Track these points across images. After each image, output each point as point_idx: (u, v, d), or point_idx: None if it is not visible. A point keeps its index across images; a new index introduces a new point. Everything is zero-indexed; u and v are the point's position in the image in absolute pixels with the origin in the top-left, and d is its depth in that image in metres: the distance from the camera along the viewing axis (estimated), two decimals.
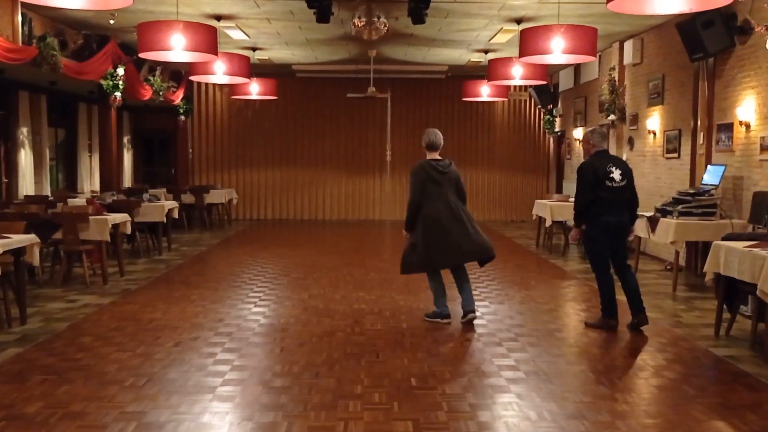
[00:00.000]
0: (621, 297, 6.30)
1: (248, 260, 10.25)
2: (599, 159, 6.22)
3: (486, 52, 13.26)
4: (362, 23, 9.48)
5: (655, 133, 10.76)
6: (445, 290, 6.51)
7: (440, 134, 6.49)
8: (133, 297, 7.57)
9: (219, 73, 10.91)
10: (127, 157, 16.82)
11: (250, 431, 3.88)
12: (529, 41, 8.55)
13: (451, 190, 6.31)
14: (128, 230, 8.99)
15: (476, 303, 6.64)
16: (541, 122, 17.20)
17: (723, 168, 8.25)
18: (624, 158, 11.97)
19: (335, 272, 9.06)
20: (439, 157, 6.41)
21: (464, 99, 14.86)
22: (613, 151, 12.46)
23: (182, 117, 16.21)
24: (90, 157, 14.80)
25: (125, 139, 16.60)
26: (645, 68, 11.23)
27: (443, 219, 6.22)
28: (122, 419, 4.00)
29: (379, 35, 9.70)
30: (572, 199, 11.55)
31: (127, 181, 16.29)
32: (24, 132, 12.01)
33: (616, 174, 6.10)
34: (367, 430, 3.90)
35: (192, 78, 12.04)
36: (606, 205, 6.08)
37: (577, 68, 14.51)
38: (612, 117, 12.04)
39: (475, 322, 6.35)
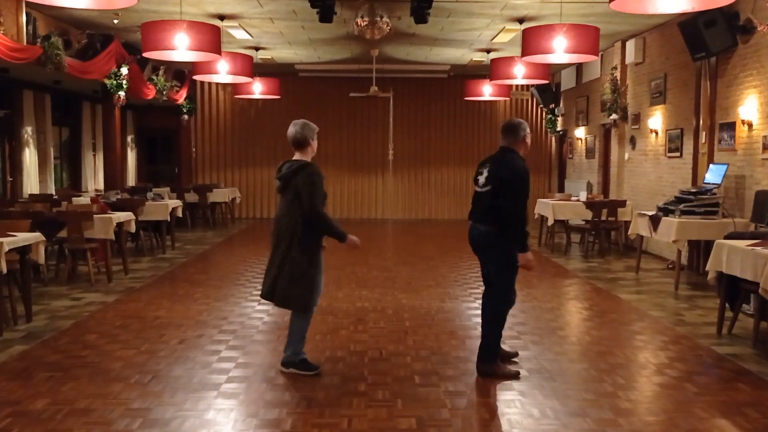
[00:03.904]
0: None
1: (251, 258, 10.27)
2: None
3: (488, 51, 13.26)
4: (365, 23, 9.49)
5: (657, 132, 10.77)
6: None
7: (298, 126, 4.81)
8: (137, 295, 7.60)
9: (222, 72, 10.95)
10: (131, 156, 16.86)
11: (254, 428, 3.91)
12: (531, 41, 8.56)
13: (285, 203, 4.88)
14: (132, 229, 9.05)
15: (477, 302, 6.63)
16: (543, 121, 17.20)
17: (725, 167, 8.26)
18: (626, 158, 11.99)
19: (338, 270, 9.08)
20: (296, 158, 4.88)
21: (466, 98, 14.86)
22: (615, 151, 12.51)
23: (185, 116, 16.23)
24: (94, 155, 14.85)
25: (129, 138, 16.63)
26: (647, 67, 11.23)
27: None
28: (127, 416, 4.03)
29: (381, 35, 9.71)
30: (574, 198, 11.70)
31: (131, 180, 16.32)
32: (28, 131, 12.06)
33: (481, 177, 4.89)
34: (371, 427, 3.92)
35: (195, 77, 12.07)
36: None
37: (579, 67, 14.51)
38: (614, 116, 12.04)
39: (478, 320, 6.34)
